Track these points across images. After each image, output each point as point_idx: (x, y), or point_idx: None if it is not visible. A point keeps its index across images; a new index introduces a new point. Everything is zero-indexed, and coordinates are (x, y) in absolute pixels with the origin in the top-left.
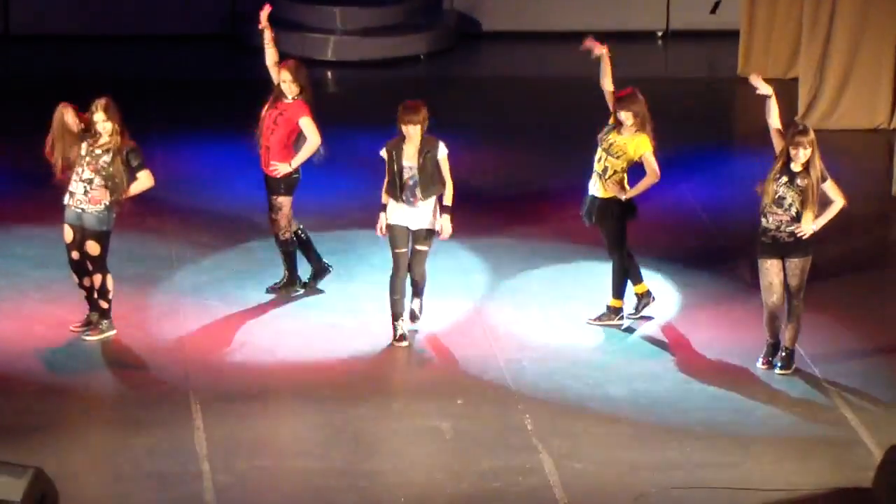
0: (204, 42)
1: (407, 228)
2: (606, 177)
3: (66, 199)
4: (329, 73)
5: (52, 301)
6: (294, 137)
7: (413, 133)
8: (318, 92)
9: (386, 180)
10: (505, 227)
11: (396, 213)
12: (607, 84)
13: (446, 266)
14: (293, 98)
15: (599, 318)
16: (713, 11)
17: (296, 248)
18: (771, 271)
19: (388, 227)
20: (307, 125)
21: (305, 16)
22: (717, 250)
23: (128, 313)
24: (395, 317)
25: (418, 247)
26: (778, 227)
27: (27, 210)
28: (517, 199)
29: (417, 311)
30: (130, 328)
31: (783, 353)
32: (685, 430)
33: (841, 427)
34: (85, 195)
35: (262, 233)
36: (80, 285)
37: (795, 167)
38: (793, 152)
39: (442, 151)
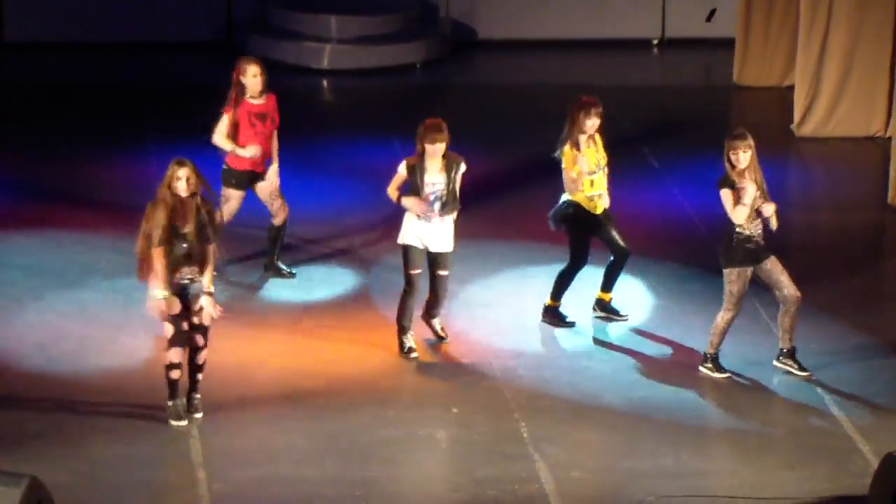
0: (199, 50)
1: (426, 250)
2: (604, 189)
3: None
4: (324, 82)
5: (47, 310)
6: None
7: (439, 150)
8: (314, 101)
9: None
10: (500, 234)
11: (414, 232)
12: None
13: None
14: (264, 94)
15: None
16: (709, 19)
17: None
18: (748, 277)
19: (405, 246)
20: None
21: (301, 24)
22: (712, 257)
23: (123, 323)
24: (404, 331)
25: (441, 272)
26: (758, 234)
27: (22, 218)
28: (512, 207)
29: (440, 331)
30: (126, 337)
31: (794, 353)
32: (681, 438)
33: (837, 435)
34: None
35: (259, 242)
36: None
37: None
38: (734, 157)
39: (463, 168)
